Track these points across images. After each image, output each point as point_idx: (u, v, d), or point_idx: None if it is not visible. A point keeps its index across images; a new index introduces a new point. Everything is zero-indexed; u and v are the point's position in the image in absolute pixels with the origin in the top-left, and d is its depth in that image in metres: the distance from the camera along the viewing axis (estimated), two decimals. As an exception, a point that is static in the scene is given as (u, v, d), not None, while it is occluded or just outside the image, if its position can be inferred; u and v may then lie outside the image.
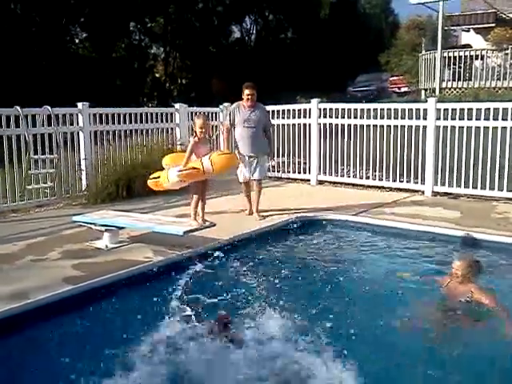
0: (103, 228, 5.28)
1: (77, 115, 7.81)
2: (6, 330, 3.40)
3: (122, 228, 5.42)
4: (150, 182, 5.59)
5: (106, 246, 5.21)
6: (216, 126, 10.12)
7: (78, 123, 7.80)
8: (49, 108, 7.24)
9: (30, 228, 6.12)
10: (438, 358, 3.12)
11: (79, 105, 7.83)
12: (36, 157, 7.14)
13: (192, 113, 9.50)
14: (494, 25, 17.94)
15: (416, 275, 4.29)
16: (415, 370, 2.98)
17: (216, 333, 3.20)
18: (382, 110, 8.40)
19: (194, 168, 5.04)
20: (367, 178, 8.60)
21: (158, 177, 5.45)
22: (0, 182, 6.90)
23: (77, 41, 30.08)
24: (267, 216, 6.42)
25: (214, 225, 5.23)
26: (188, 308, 3.56)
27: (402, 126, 8.09)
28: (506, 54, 15.44)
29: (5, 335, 3.36)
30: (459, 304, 3.61)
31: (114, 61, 28.76)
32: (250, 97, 6.27)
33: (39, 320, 3.58)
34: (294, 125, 9.38)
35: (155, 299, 3.74)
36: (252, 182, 6.58)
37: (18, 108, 6.92)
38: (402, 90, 20.90)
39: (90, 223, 5.47)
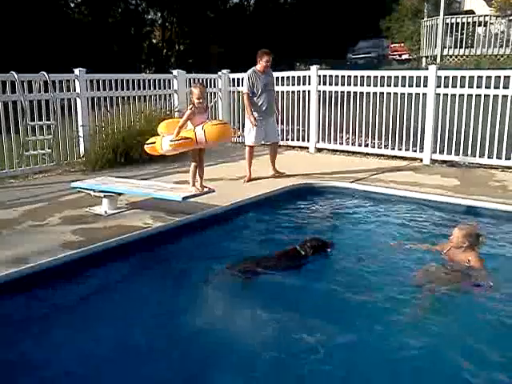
0: (102, 194, 5.30)
1: (74, 81, 7.72)
2: (6, 292, 3.45)
3: (121, 194, 5.43)
4: (146, 147, 5.53)
5: (105, 212, 5.23)
6: (214, 93, 10.03)
7: (74, 89, 7.72)
8: (45, 74, 7.15)
9: (28, 194, 6.14)
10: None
11: (76, 71, 7.73)
12: (33, 123, 7.09)
13: (190, 79, 9.40)
14: (498, -10, 17.55)
15: (416, 241, 4.34)
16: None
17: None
18: (382, 77, 8.31)
19: (186, 138, 4.97)
20: (366, 145, 8.58)
21: (154, 142, 5.40)
22: (-3, 149, 6.88)
23: (72, 5, 29.40)
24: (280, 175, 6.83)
25: (214, 191, 5.23)
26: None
27: (402, 94, 8.03)
28: (510, 20, 15.15)
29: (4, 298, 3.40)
30: (458, 268, 3.73)
31: (110, 26, 28.19)
32: (269, 63, 6.66)
33: (39, 285, 3.63)
34: (293, 92, 9.29)
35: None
36: (272, 143, 6.98)
37: (14, 73, 6.83)
38: (403, 57, 20.59)
39: (89, 189, 5.48)
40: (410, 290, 3.54)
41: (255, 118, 6.62)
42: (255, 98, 6.65)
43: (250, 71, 6.72)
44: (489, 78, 7.31)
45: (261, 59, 6.65)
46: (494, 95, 7.25)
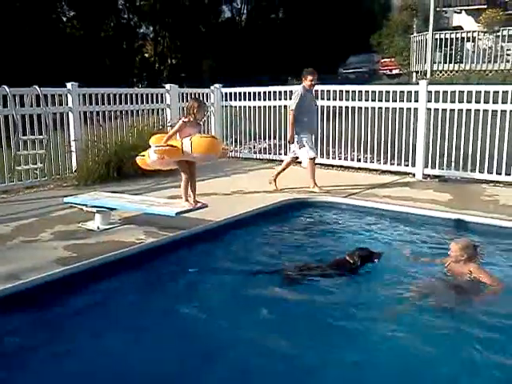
0: (95, 209, 5.26)
1: (66, 95, 7.72)
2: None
3: (114, 209, 5.40)
4: (138, 159, 5.48)
5: (98, 228, 5.20)
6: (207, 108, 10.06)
7: (67, 103, 7.71)
8: (37, 88, 7.14)
9: (20, 209, 6.09)
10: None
11: (68, 85, 7.73)
12: (25, 138, 7.06)
13: (183, 93, 9.42)
14: (485, 6, 17.87)
15: (416, 256, 4.39)
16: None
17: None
18: (373, 92, 8.39)
19: (172, 146, 4.95)
20: (358, 160, 8.61)
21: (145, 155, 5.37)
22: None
23: (64, 19, 29.53)
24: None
25: (206, 206, 5.21)
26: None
27: (394, 109, 8.10)
28: (497, 36, 15.41)
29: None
30: (461, 282, 3.80)
31: (102, 40, 28.33)
32: (313, 82, 6.93)
33: (33, 300, 3.59)
34: (285, 106, 9.32)
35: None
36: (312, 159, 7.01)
37: (6, 87, 6.81)
38: (394, 72, 20.82)
39: (82, 204, 5.45)
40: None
41: (292, 136, 6.91)
42: (303, 115, 6.87)
43: (300, 89, 6.96)
44: (479, 92, 7.40)
45: (305, 78, 6.91)
46: (483, 110, 7.33)
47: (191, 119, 5.01)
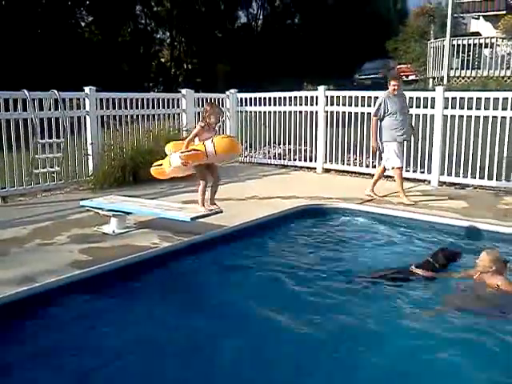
0: (110, 213, 5.31)
1: (83, 99, 7.80)
2: (15, 313, 3.44)
3: (130, 213, 5.44)
4: (152, 170, 5.50)
5: (113, 231, 5.24)
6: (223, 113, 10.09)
7: (84, 107, 7.80)
8: (56, 92, 7.23)
9: (37, 212, 6.16)
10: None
11: (86, 89, 7.82)
12: (43, 141, 7.15)
13: (198, 99, 9.48)
14: (504, 12, 17.69)
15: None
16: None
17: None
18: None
19: (196, 150, 4.98)
20: (373, 166, 8.56)
21: (161, 164, 5.40)
22: (8, 166, 6.92)
23: (83, 24, 29.91)
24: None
25: (221, 211, 5.21)
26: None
27: (410, 115, 8.03)
28: (516, 42, 15.22)
29: (13, 318, 3.39)
30: (488, 294, 3.76)
31: (119, 45, 28.62)
32: (396, 86, 6.78)
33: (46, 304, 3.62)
34: (300, 112, 9.35)
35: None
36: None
37: (26, 91, 6.92)
38: (410, 78, 20.69)
39: (98, 208, 5.50)
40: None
41: (377, 144, 6.79)
42: (392, 120, 6.72)
43: (383, 95, 6.90)
44: (496, 99, 7.32)
45: (389, 83, 6.85)
46: (501, 117, 7.25)
47: (208, 124, 5.04)
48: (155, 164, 5.50)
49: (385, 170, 7.02)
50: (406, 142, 7.14)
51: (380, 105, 6.78)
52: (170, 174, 5.39)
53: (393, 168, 6.81)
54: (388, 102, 6.76)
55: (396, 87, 6.79)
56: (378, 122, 6.80)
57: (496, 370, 2.91)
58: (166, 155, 5.34)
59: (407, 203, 6.48)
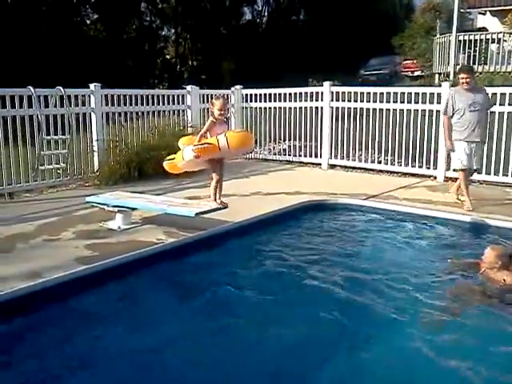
0: (116, 209, 5.32)
1: (89, 96, 7.81)
2: (21, 309, 3.45)
3: (135, 209, 5.45)
4: (165, 164, 5.52)
5: (119, 227, 5.25)
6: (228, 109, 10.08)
7: (90, 104, 7.81)
8: (61, 89, 7.24)
9: (43, 208, 6.18)
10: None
11: (91, 86, 7.83)
12: (48, 137, 7.17)
13: (203, 95, 9.48)
14: (511, 7, 17.56)
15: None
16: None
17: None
18: (394, 93, 8.31)
19: (210, 143, 4.98)
20: (379, 162, 8.55)
21: (174, 158, 5.40)
22: (13, 163, 6.95)
23: (88, 22, 29.96)
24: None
25: (226, 206, 5.21)
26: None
27: (415, 110, 8.02)
28: (523, 37, 15.11)
29: (19, 314, 3.40)
30: (495, 288, 3.74)
31: (124, 42, 28.66)
32: (464, 80, 6.05)
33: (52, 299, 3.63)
34: (305, 108, 9.32)
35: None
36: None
37: (31, 88, 6.93)
38: (415, 73, 20.59)
39: (103, 204, 5.51)
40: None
41: (451, 143, 6.12)
42: (457, 118, 6.07)
43: (451, 90, 6.36)
44: (503, 94, 7.27)
45: (458, 77, 6.28)
46: (508, 112, 7.21)
47: (217, 117, 5.02)
48: (168, 158, 5.51)
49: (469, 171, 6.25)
50: (482, 143, 6.21)
51: (448, 101, 6.13)
52: (183, 168, 5.41)
53: (459, 170, 6.17)
54: (456, 98, 6.08)
55: (465, 80, 6.03)
56: (449, 120, 6.12)
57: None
58: (173, 151, 5.36)
59: (466, 208, 5.90)
